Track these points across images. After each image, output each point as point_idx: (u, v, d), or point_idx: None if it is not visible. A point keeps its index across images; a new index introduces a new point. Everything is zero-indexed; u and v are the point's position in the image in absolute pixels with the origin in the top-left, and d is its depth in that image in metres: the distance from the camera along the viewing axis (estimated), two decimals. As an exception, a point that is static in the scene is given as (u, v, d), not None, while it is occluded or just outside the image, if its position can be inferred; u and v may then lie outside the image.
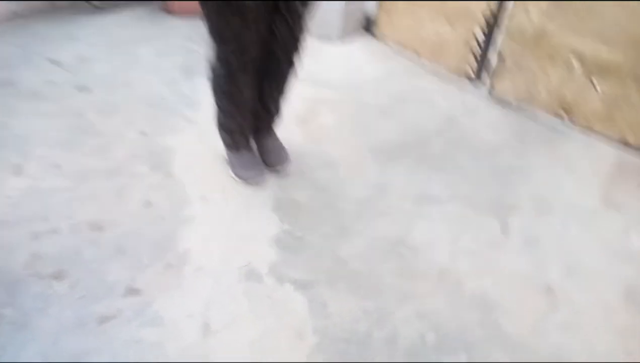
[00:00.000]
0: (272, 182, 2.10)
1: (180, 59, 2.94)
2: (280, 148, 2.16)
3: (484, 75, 2.70)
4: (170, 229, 1.86)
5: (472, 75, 2.73)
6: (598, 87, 2.26)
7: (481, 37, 2.62)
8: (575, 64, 2.30)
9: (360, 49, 3.12)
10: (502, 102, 2.63)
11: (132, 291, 1.61)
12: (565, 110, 2.41)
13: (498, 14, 2.52)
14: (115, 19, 3.32)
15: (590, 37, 2.24)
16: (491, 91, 2.67)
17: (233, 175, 2.08)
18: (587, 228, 1.92)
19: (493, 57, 2.62)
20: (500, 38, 2.56)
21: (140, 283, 1.64)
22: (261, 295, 1.64)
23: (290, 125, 2.37)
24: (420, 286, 1.71)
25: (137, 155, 2.20)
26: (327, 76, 2.79)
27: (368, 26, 3.21)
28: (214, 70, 1.84)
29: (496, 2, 2.51)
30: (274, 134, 2.19)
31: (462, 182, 2.12)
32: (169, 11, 3.45)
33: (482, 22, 2.59)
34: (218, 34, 1.71)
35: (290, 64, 1.94)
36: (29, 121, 2.31)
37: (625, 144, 2.27)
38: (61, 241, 1.76)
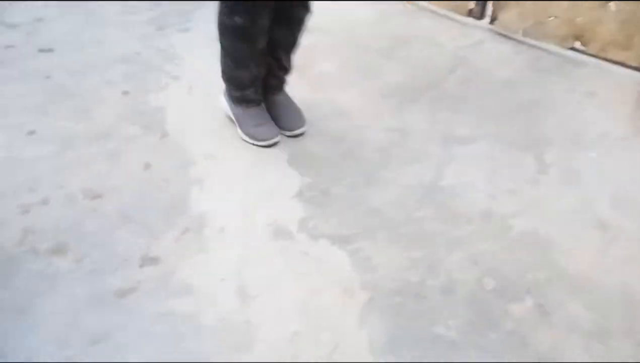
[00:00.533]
0: (282, 135, 1.89)
1: (150, 14, 2.67)
2: (295, 108, 1.94)
3: (486, 7, 2.54)
4: (179, 192, 1.64)
5: (473, 8, 2.57)
6: (614, 8, 2.14)
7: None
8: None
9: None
10: (507, 34, 2.49)
11: (149, 260, 1.40)
12: (578, 37, 2.29)
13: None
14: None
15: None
16: (495, 24, 2.52)
17: (243, 135, 1.85)
18: (623, 157, 1.82)
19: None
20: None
21: (157, 251, 1.43)
22: (296, 252, 1.46)
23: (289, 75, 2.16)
24: (464, 230, 1.56)
25: (123, 115, 1.96)
26: (318, 21, 2.54)
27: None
28: (231, 12, 1.60)
29: None
30: (286, 93, 1.96)
31: (486, 120, 1.98)
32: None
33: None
34: None
35: (305, 7, 1.73)
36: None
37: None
38: (55, 213, 1.52)
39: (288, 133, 1.89)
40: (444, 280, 1.41)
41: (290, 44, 1.83)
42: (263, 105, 1.89)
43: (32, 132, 1.84)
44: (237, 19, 1.60)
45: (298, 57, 1.90)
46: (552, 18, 2.32)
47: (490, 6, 2.53)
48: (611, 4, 2.15)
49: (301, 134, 1.90)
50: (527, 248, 1.51)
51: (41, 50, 2.34)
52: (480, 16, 2.57)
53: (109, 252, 1.41)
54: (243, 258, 1.43)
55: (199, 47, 2.36)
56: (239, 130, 1.86)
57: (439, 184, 1.72)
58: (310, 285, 1.37)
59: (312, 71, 2.25)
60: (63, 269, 1.36)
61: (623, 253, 1.50)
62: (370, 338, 1.25)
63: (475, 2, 2.54)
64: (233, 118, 1.89)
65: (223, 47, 1.73)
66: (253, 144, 1.84)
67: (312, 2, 1.74)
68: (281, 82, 1.92)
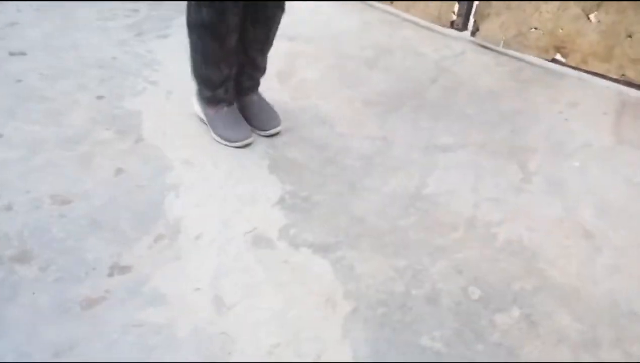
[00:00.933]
0: (262, 142, 1.84)
1: (126, 20, 2.60)
2: (269, 109, 1.89)
3: (468, 18, 2.54)
4: (153, 197, 1.57)
5: (455, 20, 2.56)
6: (595, 20, 2.16)
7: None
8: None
9: (328, 4, 2.88)
10: (488, 45, 2.49)
11: (120, 269, 1.32)
12: (559, 48, 2.30)
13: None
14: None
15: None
16: (477, 35, 2.52)
17: (216, 137, 1.80)
18: (606, 166, 1.81)
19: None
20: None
21: (129, 259, 1.35)
22: (276, 261, 1.39)
23: (271, 82, 2.11)
24: (449, 238, 1.52)
25: (97, 120, 1.88)
26: (300, 30, 2.54)
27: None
28: (198, 6, 1.55)
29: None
30: (260, 94, 1.92)
31: (470, 129, 1.96)
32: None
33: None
34: None
35: (279, 6, 1.69)
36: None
37: (626, 79, 2.18)
38: (20, 218, 1.43)
39: (263, 133, 1.85)
40: (429, 290, 1.36)
41: (265, 43, 1.79)
42: (235, 105, 1.84)
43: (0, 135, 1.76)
44: (205, 15, 1.56)
45: (281, 64, 1.86)
46: (533, 30, 2.33)
47: (472, 18, 2.54)
48: (591, 16, 2.16)
49: (276, 133, 1.86)
50: (512, 257, 1.47)
51: (12, 54, 2.25)
52: (462, 28, 2.57)
53: (77, 259, 1.33)
54: (220, 266, 1.36)
55: (178, 53, 2.28)
56: (211, 132, 1.81)
57: (422, 192, 1.68)
58: (290, 295, 1.31)
59: (295, 78, 2.20)
60: (26, 277, 1.27)
61: (609, 263, 1.47)
62: (354, 351, 1.20)
63: (457, 14, 2.54)
64: (205, 120, 1.84)
65: (192, 45, 1.68)
66: (226, 145, 1.79)
67: (286, 1, 1.70)
68: (255, 83, 1.88)
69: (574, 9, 2.20)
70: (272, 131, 1.85)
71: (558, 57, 2.32)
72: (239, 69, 1.79)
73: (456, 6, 2.53)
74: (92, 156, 1.70)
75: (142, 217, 1.50)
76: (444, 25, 2.62)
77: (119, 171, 1.65)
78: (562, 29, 2.26)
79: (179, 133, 1.85)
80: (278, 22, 1.74)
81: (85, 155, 1.70)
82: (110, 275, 1.30)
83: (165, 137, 1.82)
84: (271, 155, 1.79)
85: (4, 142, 1.73)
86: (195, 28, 1.62)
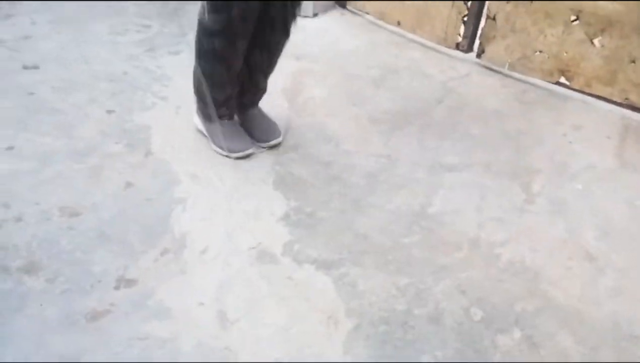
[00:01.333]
0: (268, 158, 1.87)
1: (138, 36, 2.65)
2: (269, 122, 1.93)
3: (474, 40, 2.58)
4: (161, 211, 1.59)
5: (461, 42, 2.60)
6: (599, 45, 2.18)
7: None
8: (574, 19, 2.21)
9: (336, 22, 2.93)
10: (493, 67, 2.52)
11: (126, 282, 1.34)
12: (563, 72, 2.32)
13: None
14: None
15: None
16: (482, 57, 2.55)
17: (215, 148, 1.84)
18: (609, 189, 1.82)
19: (483, 20, 2.50)
20: None
21: (135, 272, 1.37)
22: (280, 277, 1.41)
23: (278, 100, 2.15)
24: (452, 257, 1.53)
25: (107, 133, 1.92)
26: (308, 50, 2.58)
27: (341, 1, 3.03)
28: (206, 28, 1.60)
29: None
30: (260, 108, 1.96)
31: (474, 149, 1.98)
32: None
33: (471, -17, 2.47)
34: None
35: (285, 31, 1.74)
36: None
37: (629, 104, 2.20)
38: (29, 229, 1.46)
39: (264, 144, 1.88)
40: (432, 309, 1.37)
41: (268, 67, 1.85)
42: (235, 118, 1.89)
43: (10, 148, 1.79)
44: (217, 44, 1.61)
45: (288, 83, 1.90)
46: (537, 53, 2.36)
47: (477, 40, 2.57)
48: (595, 41, 2.19)
49: (277, 145, 1.89)
50: (515, 278, 1.48)
51: (25, 67, 2.30)
52: (468, 49, 2.61)
53: (84, 272, 1.35)
54: (224, 281, 1.37)
55: (188, 69, 2.31)
56: (212, 144, 1.85)
57: (427, 211, 1.70)
58: (293, 311, 1.32)
59: (302, 97, 2.24)
60: (34, 289, 1.29)
61: (611, 285, 1.48)
62: (355, 368, 1.20)
63: (462, 36, 2.58)
64: (205, 132, 1.87)
65: (200, 67, 1.73)
66: (227, 156, 1.82)
67: (292, 27, 1.75)
68: (256, 100, 1.92)
69: (578, 33, 2.23)
70: (274, 142, 1.88)
71: (562, 80, 2.34)
72: (242, 89, 1.83)
73: (462, 28, 2.57)
74: (102, 169, 1.73)
75: (150, 230, 1.52)
76: (450, 47, 2.65)
77: (128, 184, 1.68)
78: (566, 53, 2.29)
79: (187, 147, 1.88)
80: (282, 48, 1.79)
81: (94, 168, 1.73)
82: (117, 287, 1.32)
83: (173, 151, 1.85)
84: (277, 171, 1.81)
85: (15, 153, 1.76)
86: (206, 54, 1.67)
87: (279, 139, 1.89)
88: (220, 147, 1.83)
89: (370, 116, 2.15)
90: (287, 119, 2.03)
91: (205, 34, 1.63)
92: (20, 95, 2.08)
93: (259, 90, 1.90)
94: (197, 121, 1.90)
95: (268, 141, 1.89)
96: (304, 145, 1.94)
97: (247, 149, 1.83)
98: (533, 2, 2.30)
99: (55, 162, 1.74)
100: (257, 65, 1.79)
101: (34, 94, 2.11)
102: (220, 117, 1.83)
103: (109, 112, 2.03)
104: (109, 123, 1.97)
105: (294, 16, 1.72)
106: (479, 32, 2.55)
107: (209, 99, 1.79)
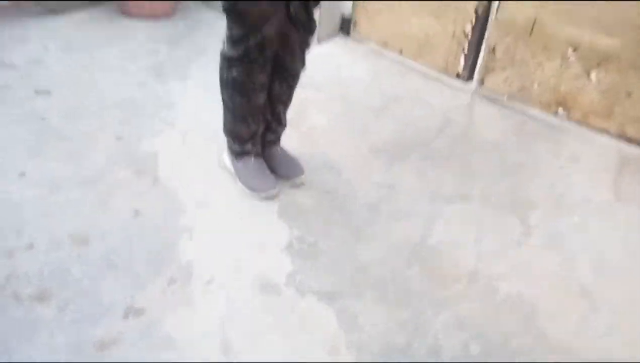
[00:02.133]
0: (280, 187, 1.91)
1: (146, 61, 2.71)
2: (292, 159, 1.98)
3: (474, 70, 2.64)
4: (167, 240, 1.64)
5: (461, 72, 2.67)
6: (595, 79, 2.24)
7: (470, 30, 2.56)
8: (571, 54, 2.27)
9: (340, 49, 3.00)
10: (493, 98, 2.58)
11: (133, 311, 1.38)
12: (561, 104, 2.38)
13: (488, 3, 2.47)
14: (69, 21, 3.04)
15: (587, 24, 2.20)
16: (482, 87, 2.61)
17: (243, 187, 1.86)
18: (606, 223, 1.86)
19: (483, 51, 2.57)
20: (490, 30, 2.50)
21: (142, 301, 1.41)
22: (283, 308, 1.45)
23: (283, 127, 2.21)
24: (451, 291, 1.57)
25: (115, 160, 1.97)
26: (312, 78, 2.62)
27: (345, 27, 3.10)
28: (225, 58, 1.66)
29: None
30: (282, 147, 2.01)
31: (473, 180, 2.02)
32: (126, 13, 3.19)
33: (471, 13, 2.53)
34: (240, 17, 1.54)
35: (303, 61, 1.80)
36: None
37: (626, 137, 2.25)
38: (41, 257, 1.50)
39: (289, 182, 1.92)
40: (431, 343, 1.41)
41: (288, 98, 1.89)
42: (262, 158, 1.92)
43: (22, 174, 1.84)
44: (235, 74, 1.66)
45: (292, 112, 1.94)
46: (536, 85, 2.42)
47: (477, 71, 2.63)
48: (592, 75, 2.25)
49: (302, 183, 1.93)
50: (512, 313, 1.52)
51: (37, 92, 2.36)
52: (468, 79, 2.67)
53: (93, 300, 1.39)
54: (229, 312, 1.41)
55: (196, 96, 2.40)
56: (239, 183, 1.87)
57: (426, 242, 1.74)
58: (295, 343, 1.36)
59: (305, 125, 2.29)
60: (45, 316, 1.33)
61: (606, 322, 1.51)
62: (355, 401, 1.24)
63: (462, 67, 2.64)
64: (234, 171, 1.90)
65: (224, 102, 1.77)
66: (252, 196, 1.84)
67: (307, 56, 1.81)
68: (277, 137, 1.97)
69: (575, 67, 2.29)
70: (297, 180, 1.92)
71: (560, 112, 2.40)
72: (266, 125, 1.88)
73: (462, 58, 2.63)
74: (110, 196, 1.78)
75: (157, 259, 1.56)
76: (450, 76, 2.71)
77: (136, 212, 1.73)
78: (564, 86, 2.34)
79: (195, 176, 1.92)
80: (299, 78, 1.85)
81: (103, 194, 1.78)
82: (125, 317, 1.36)
83: (180, 178, 1.90)
84: (281, 199, 1.86)
85: (27, 180, 1.81)
86: (227, 85, 1.72)
87: (302, 177, 1.93)
88: (247, 186, 1.86)
89: (372, 145, 2.20)
90: (290, 148, 2.07)
91: (224, 65, 1.68)
92: (32, 121, 2.14)
93: (280, 124, 1.93)
94: (226, 160, 1.93)
95: (291, 178, 1.93)
96: (307, 174, 1.98)
97: (272, 189, 1.86)
98: (531, 35, 2.36)
99: (65, 189, 1.79)
100: (277, 97, 1.84)
101: (45, 119, 2.16)
102: (247, 155, 1.87)
103: (118, 138, 2.08)
104: (118, 149, 2.02)
105: (308, 45, 1.78)
106: (479, 63, 2.61)
107: (234, 135, 1.84)
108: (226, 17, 1.57)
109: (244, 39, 1.56)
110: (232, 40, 1.59)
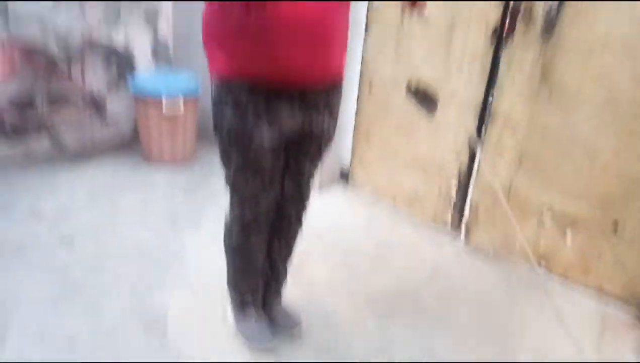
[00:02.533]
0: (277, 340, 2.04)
1: (165, 208, 2.97)
2: (289, 310, 2.14)
3: (461, 224, 2.86)
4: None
5: (450, 225, 2.89)
6: (570, 240, 2.45)
7: (455, 187, 2.82)
8: (546, 217, 2.50)
9: (339, 197, 3.27)
10: (480, 251, 2.77)
11: None
12: (543, 258, 2.56)
13: (469, 167, 2.75)
14: (95, 168, 3.40)
15: (558, 190, 2.45)
16: (469, 240, 2.81)
17: (241, 338, 2.01)
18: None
19: (467, 209, 2.81)
20: (472, 190, 2.77)
21: None
22: None
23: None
24: None
25: (128, 316, 2.12)
26: (311, 226, 2.87)
27: (344, 175, 3.39)
28: (227, 224, 1.89)
29: (466, 156, 2.74)
30: (281, 299, 2.18)
31: (464, 339, 2.14)
32: (149, 160, 3.54)
33: (456, 173, 2.81)
34: (237, 193, 1.79)
35: (299, 221, 2.02)
36: (9, 279, 2.25)
37: (605, 293, 2.40)
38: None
39: (286, 331, 2.05)
40: None
41: (288, 255, 2.09)
42: (262, 312, 2.07)
43: (41, 332, 1.98)
44: (234, 236, 1.88)
45: (292, 261, 2.12)
46: (517, 242, 2.61)
47: (463, 224, 2.85)
48: (567, 235, 2.45)
49: (299, 335, 2.06)
50: None
51: (62, 242, 2.56)
52: (456, 229, 2.87)
53: None
54: None
55: (207, 247, 2.58)
56: (238, 334, 2.01)
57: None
58: None
59: (304, 275, 2.45)
60: None
61: None
62: None
63: (450, 221, 2.87)
64: (234, 324, 2.05)
65: (227, 261, 1.98)
66: (250, 347, 1.98)
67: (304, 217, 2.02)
68: (278, 289, 2.13)
69: (551, 227, 2.50)
70: (294, 331, 2.07)
71: (542, 266, 2.57)
72: (265, 281, 2.06)
73: (450, 211, 2.87)
74: (121, 353, 1.91)
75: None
76: (439, 226, 2.93)
77: (144, 373, 1.85)
78: (542, 243, 2.54)
79: (202, 332, 2.06)
80: (298, 235, 2.05)
81: (116, 352, 1.92)
82: None
83: (187, 335, 2.04)
84: (277, 357, 1.98)
85: (46, 338, 1.95)
86: (227, 248, 1.94)
87: (300, 325, 2.07)
88: (246, 338, 2.00)
89: (367, 296, 2.35)
90: (289, 298, 2.21)
91: (226, 229, 1.91)
92: (56, 273, 2.33)
93: (280, 277, 2.10)
94: (229, 313, 2.08)
95: (289, 328, 2.07)
96: (304, 328, 2.11)
97: (268, 343, 2.00)
98: (509, 196, 2.60)
99: (81, 348, 1.93)
100: (277, 255, 2.04)
101: (68, 271, 2.35)
102: (249, 308, 2.03)
103: (132, 292, 2.25)
104: (131, 304, 2.18)
105: (305, 208, 2.00)
106: (465, 218, 2.84)
107: (236, 288, 2.02)
108: (226, 186, 1.81)
109: (241, 208, 1.79)
110: (233, 207, 1.83)
